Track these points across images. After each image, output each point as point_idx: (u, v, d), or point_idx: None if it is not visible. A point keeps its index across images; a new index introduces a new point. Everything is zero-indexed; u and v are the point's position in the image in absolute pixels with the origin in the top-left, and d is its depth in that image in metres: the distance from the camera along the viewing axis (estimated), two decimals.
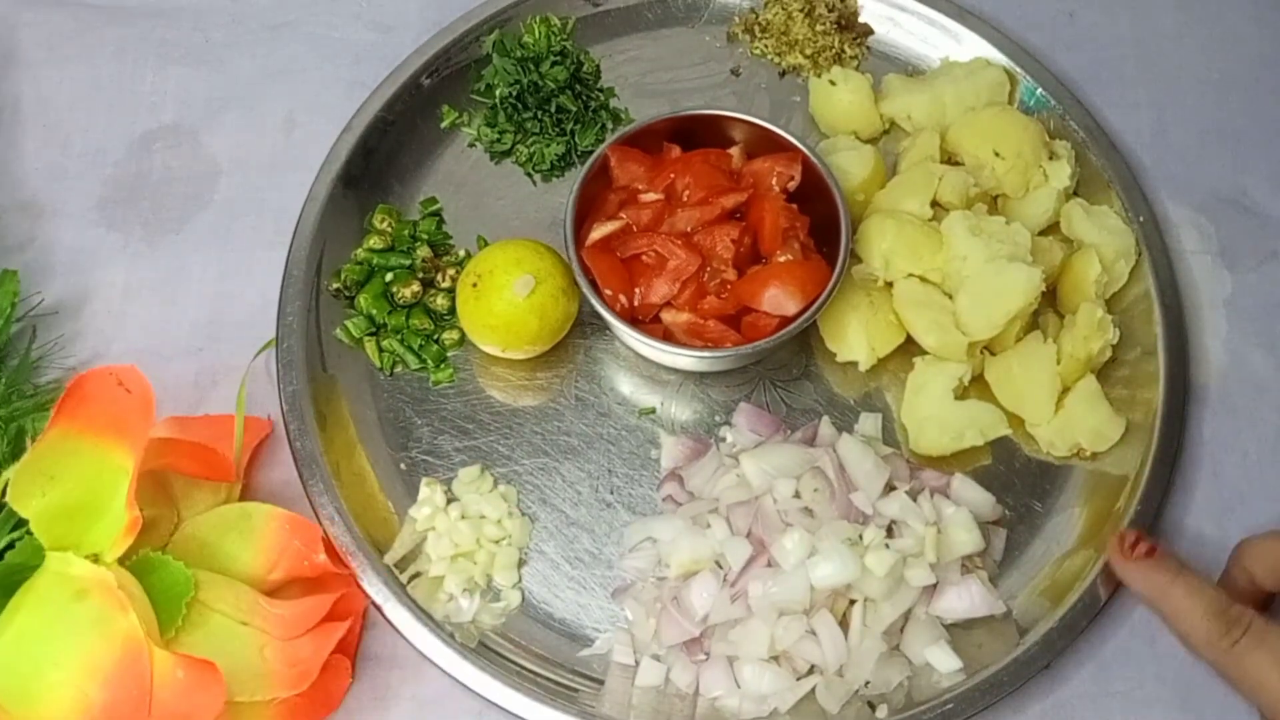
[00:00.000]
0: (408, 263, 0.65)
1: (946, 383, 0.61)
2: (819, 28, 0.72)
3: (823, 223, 0.62)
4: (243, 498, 0.59)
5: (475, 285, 0.61)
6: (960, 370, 0.62)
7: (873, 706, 0.55)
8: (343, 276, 0.65)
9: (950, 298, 0.63)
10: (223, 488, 0.58)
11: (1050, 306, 0.65)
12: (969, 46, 0.71)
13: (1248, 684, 0.49)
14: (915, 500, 0.57)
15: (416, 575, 0.58)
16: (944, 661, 0.56)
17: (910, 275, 0.63)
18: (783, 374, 0.64)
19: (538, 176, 0.70)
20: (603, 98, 0.71)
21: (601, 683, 0.57)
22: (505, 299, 0.60)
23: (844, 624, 0.56)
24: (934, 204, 0.65)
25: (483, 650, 0.57)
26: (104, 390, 0.54)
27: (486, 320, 0.61)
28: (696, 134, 0.64)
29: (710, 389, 0.64)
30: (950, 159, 0.68)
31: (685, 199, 0.62)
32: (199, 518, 0.57)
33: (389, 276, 0.65)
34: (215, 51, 0.73)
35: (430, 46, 0.70)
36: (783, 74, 0.73)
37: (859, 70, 0.72)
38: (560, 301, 0.61)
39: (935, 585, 0.57)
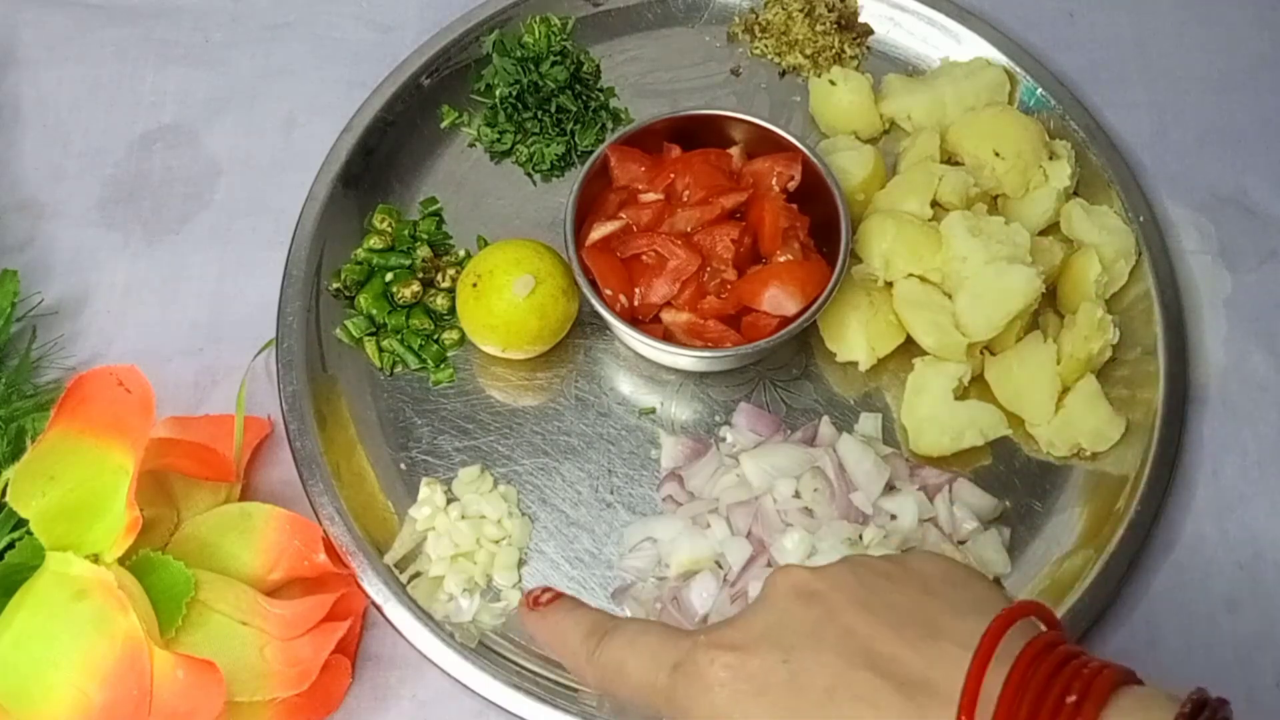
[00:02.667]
0: (408, 263, 0.65)
1: (946, 383, 0.61)
2: (819, 28, 0.72)
3: (823, 223, 0.62)
4: (243, 498, 0.59)
5: (475, 285, 0.61)
6: (960, 370, 0.62)
7: None
8: (343, 276, 0.65)
9: (950, 298, 0.63)
10: (223, 488, 0.58)
11: (1050, 306, 0.65)
12: (969, 46, 0.71)
13: (610, 683, 0.43)
14: (932, 501, 0.58)
15: (416, 575, 0.58)
16: None
17: (910, 275, 0.63)
18: (783, 374, 0.64)
19: (538, 176, 0.70)
20: (603, 98, 0.71)
21: None
22: (505, 299, 0.60)
23: None
24: (934, 204, 0.65)
25: (483, 650, 0.57)
26: (104, 390, 0.54)
27: (486, 320, 0.61)
28: (696, 134, 0.64)
29: (710, 389, 0.64)
30: (950, 159, 0.68)
31: (685, 199, 0.62)
32: (199, 518, 0.57)
33: (389, 276, 0.65)
34: (215, 51, 0.73)
35: (430, 46, 0.70)
36: (783, 74, 0.73)
37: (859, 70, 0.72)
38: (560, 301, 0.61)
39: None
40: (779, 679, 0.37)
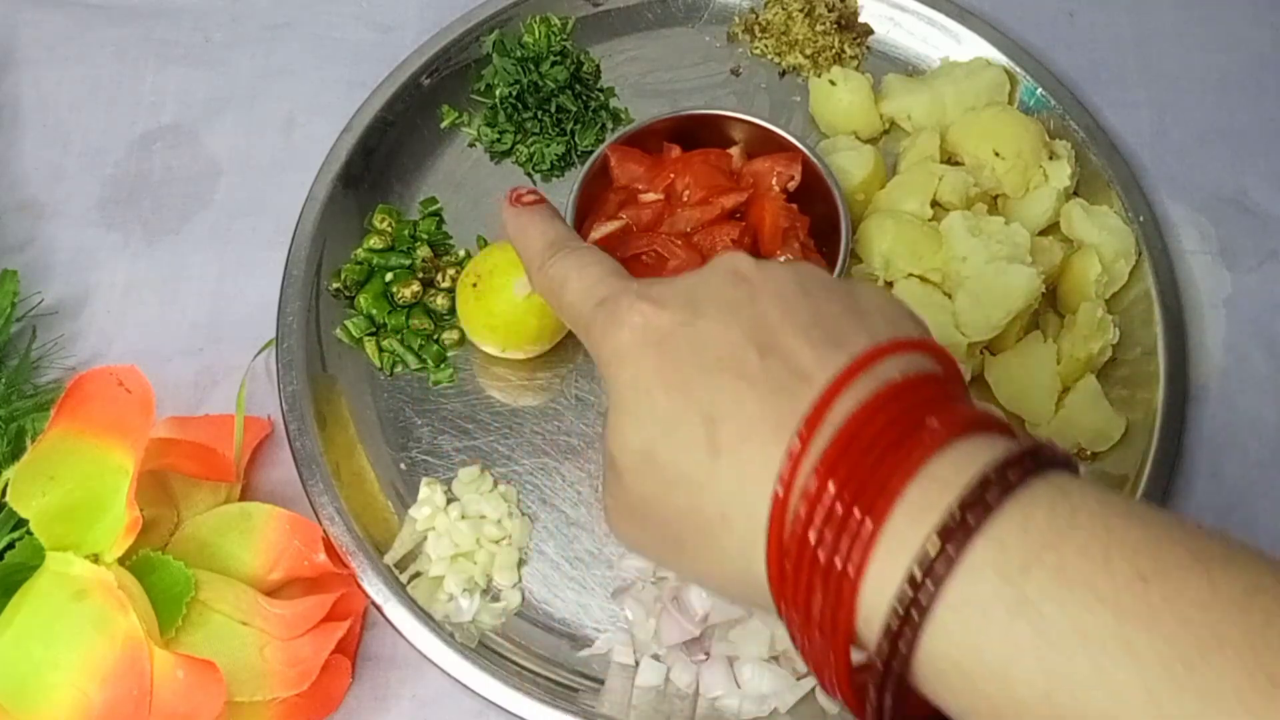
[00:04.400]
0: (408, 263, 0.65)
1: None
2: (819, 28, 0.72)
3: (823, 223, 0.62)
4: (243, 498, 0.59)
5: (475, 285, 0.61)
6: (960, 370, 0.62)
7: None
8: (343, 276, 0.65)
9: (950, 298, 0.63)
10: (223, 488, 0.58)
11: (1050, 306, 0.65)
12: (969, 46, 0.71)
13: (551, 294, 0.44)
14: None
15: (416, 575, 0.58)
16: None
17: (910, 275, 0.63)
18: None
19: (538, 176, 0.70)
20: (603, 98, 0.71)
21: (602, 683, 0.57)
22: (505, 299, 0.60)
23: None
24: (934, 204, 0.65)
25: (483, 650, 0.57)
26: (104, 390, 0.54)
27: (486, 320, 0.61)
28: (696, 134, 0.64)
29: None
30: (950, 159, 0.68)
31: (685, 199, 0.62)
32: (199, 518, 0.57)
33: (389, 276, 0.65)
34: (215, 52, 0.73)
35: (430, 46, 0.70)
36: (783, 74, 0.73)
37: (859, 70, 0.72)
38: None
39: None
40: (680, 336, 0.38)
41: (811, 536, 0.33)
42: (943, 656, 0.31)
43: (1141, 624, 0.29)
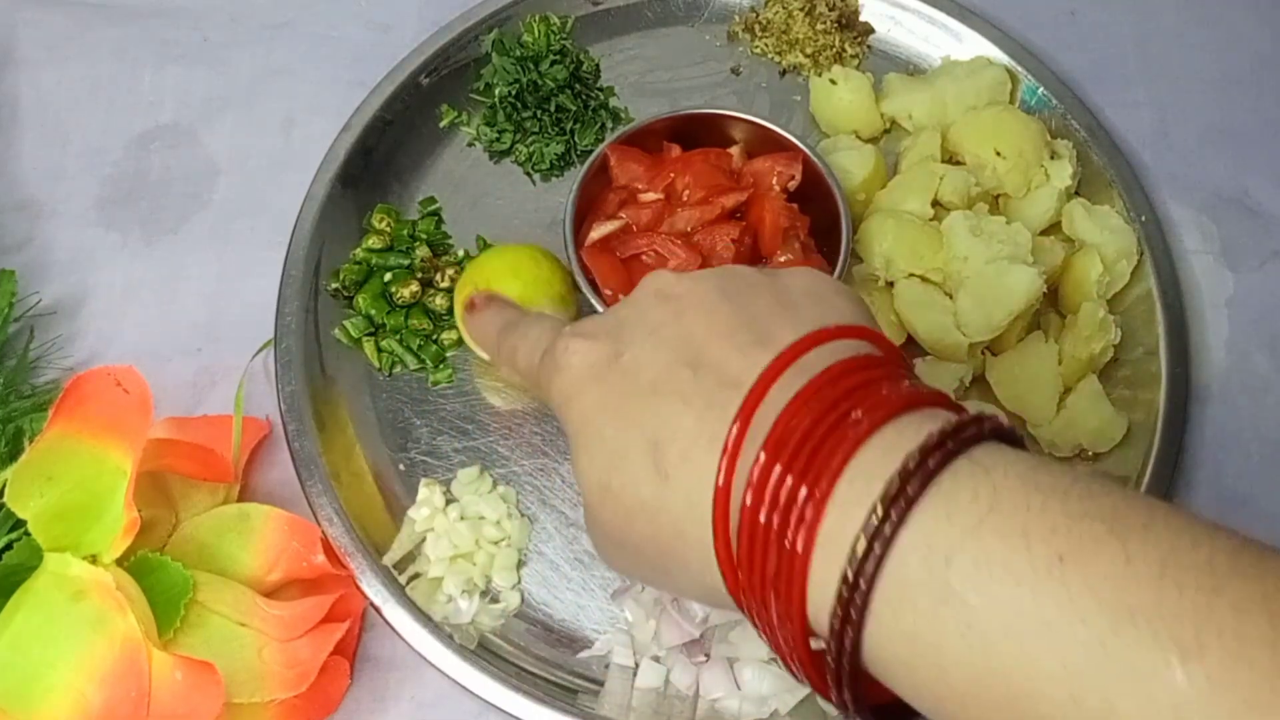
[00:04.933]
0: (406, 263, 0.65)
1: (948, 383, 0.61)
2: (819, 26, 0.72)
3: (823, 223, 0.62)
4: (241, 499, 0.59)
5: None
6: (961, 371, 0.61)
7: None
8: (341, 276, 0.64)
9: (951, 298, 0.62)
10: (221, 489, 0.58)
11: (1051, 307, 0.65)
12: (970, 45, 0.71)
13: (510, 366, 0.47)
14: None
15: (415, 576, 0.58)
16: None
17: (911, 275, 0.63)
18: None
19: (537, 176, 0.69)
20: (602, 97, 0.71)
21: (601, 684, 0.57)
22: None
23: None
24: (935, 204, 0.65)
25: (482, 652, 0.56)
26: (102, 391, 0.53)
27: None
28: (696, 133, 0.64)
29: None
30: (951, 158, 0.68)
31: (685, 198, 0.62)
32: (197, 519, 0.57)
33: (388, 276, 0.65)
34: (214, 51, 0.73)
35: (429, 45, 0.70)
36: (783, 73, 0.73)
37: (860, 69, 0.72)
38: (557, 309, 0.60)
39: None
40: (614, 369, 0.39)
41: (751, 540, 0.34)
42: (883, 647, 0.32)
43: (1058, 605, 0.29)
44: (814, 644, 0.34)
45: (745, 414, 0.35)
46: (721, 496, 0.35)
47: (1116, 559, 0.30)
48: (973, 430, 0.33)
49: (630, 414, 0.38)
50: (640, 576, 0.42)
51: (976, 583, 0.31)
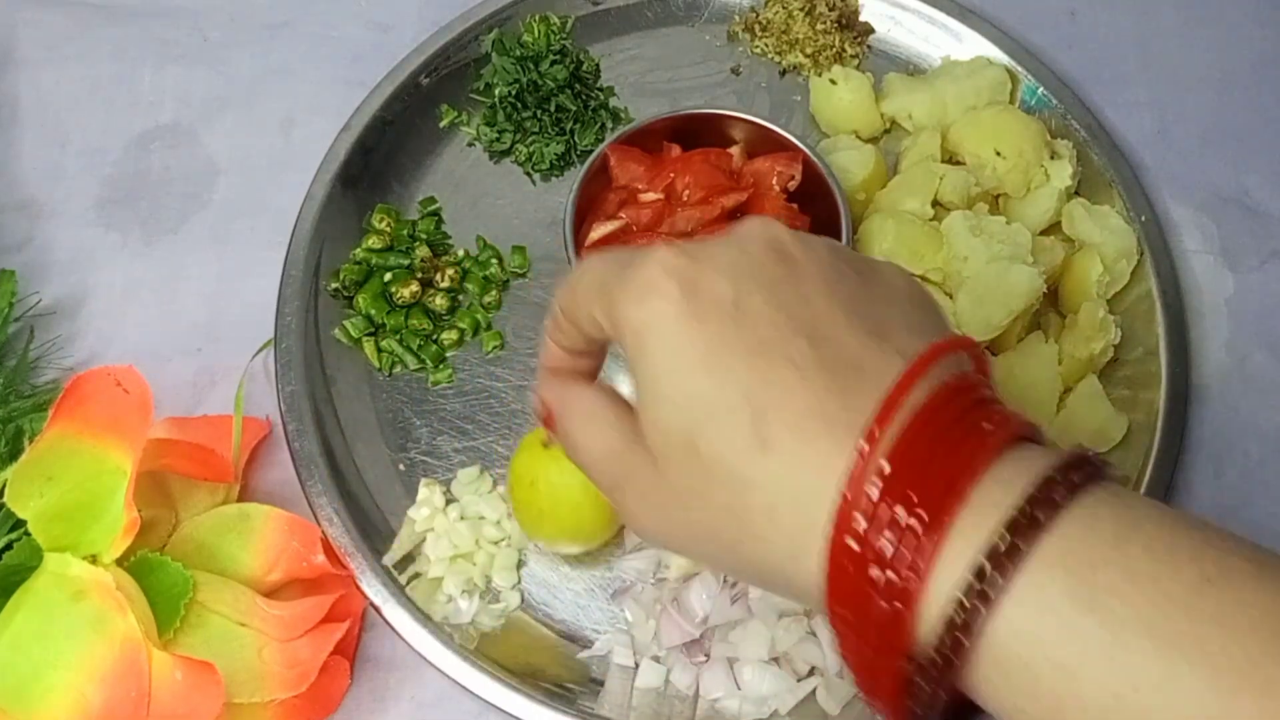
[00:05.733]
0: (406, 263, 0.65)
1: None
2: (819, 26, 0.72)
3: (823, 223, 0.62)
4: (241, 498, 0.59)
5: (533, 484, 0.56)
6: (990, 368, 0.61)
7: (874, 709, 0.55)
8: (341, 276, 0.64)
9: (951, 298, 0.62)
10: (221, 488, 0.58)
11: (1052, 307, 0.65)
12: (970, 45, 0.71)
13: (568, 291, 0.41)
14: None
15: (415, 576, 0.58)
16: None
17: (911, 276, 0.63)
18: None
19: (537, 176, 0.69)
20: (602, 97, 0.71)
21: (601, 684, 0.57)
22: (567, 497, 0.55)
23: None
24: (935, 204, 0.65)
25: (482, 652, 0.56)
26: (102, 391, 0.53)
27: (555, 524, 0.57)
28: (696, 133, 0.64)
29: None
30: (951, 158, 0.68)
31: (685, 198, 0.62)
32: (197, 519, 0.57)
33: (388, 276, 0.65)
34: (214, 51, 0.73)
35: (429, 45, 0.70)
36: (783, 73, 0.73)
37: (860, 69, 0.72)
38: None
39: None
40: (719, 311, 0.35)
41: (876, 537, 0.32)
42: (1006, 652, 0.31)
43: (1215, 625, 0.29)
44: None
45: (885, 411, 0.33)
46: (851, 490, 0.32)
47: (1261, 589, 0.29)
48: (1099, 461, 0.33)
49: (733, 368, 0.34)
50: (679, 545, 0.38)
51: (1124, 594, 0.30)
